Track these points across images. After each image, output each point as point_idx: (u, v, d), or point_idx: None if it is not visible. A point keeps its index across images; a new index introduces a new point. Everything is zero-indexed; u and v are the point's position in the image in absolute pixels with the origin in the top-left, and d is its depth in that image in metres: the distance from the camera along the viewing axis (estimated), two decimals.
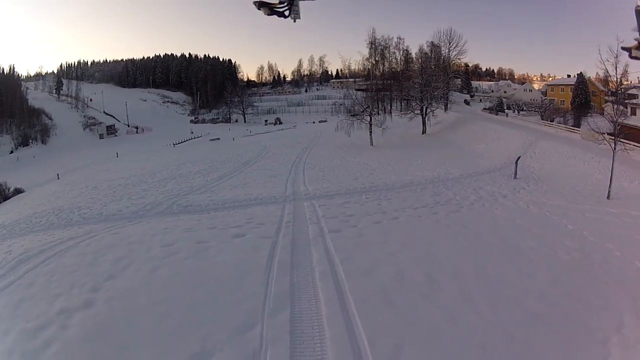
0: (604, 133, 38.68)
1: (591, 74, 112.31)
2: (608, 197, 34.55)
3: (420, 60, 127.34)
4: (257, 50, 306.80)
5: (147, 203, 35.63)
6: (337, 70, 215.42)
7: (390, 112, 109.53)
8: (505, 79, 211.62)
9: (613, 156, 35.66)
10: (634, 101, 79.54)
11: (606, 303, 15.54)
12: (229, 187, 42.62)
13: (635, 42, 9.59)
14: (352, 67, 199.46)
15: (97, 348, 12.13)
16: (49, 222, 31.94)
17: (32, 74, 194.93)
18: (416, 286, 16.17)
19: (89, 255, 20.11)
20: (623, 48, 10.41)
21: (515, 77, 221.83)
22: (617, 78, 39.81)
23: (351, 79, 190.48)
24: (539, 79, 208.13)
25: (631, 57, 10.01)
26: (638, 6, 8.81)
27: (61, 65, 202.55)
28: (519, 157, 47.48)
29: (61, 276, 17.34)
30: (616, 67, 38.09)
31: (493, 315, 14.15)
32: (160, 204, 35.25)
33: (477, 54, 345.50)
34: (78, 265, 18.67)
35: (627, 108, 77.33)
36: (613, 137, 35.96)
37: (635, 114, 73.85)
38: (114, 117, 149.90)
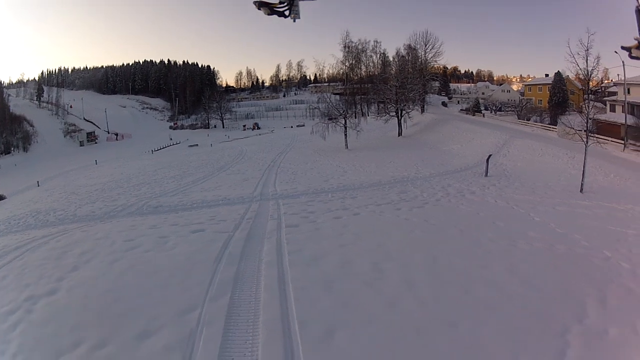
0: (579, 130, 38.92)
1: (569, 73, 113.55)
2: (581, 191, 34.95)
3: (397, 62, 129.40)
4: (235, 55, 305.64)
5: (119, 205, 36.43)
6: (316, 74, 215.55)
7: (367, 115, 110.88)
8: (484, 81, 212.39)
9: (585, 150, 35.75)
10: (613, 98, 79.91)
11: (567, 293, 15.49)
12: (201, 190, 43.18)
13: (635, 42, 9.91)
14: (328, 71, 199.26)
15: (54, 327, 13.53)
16: (26, 224, 32.94)
17: (13, 81, 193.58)
18: (360, 275, 16.84)
19: (58, 249, 21.62)
20: (623, 48, 10.55)
21: (495, 78, 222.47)
22: (587, 71, 40.13)
23: (329, 84, 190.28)
24: (518, 80, 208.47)
25: (631, 57, 10.25)
26: (638, 6, 9.17)
27: (42, 72, 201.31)
28: (490, 155, 47.73)
29: (32, 269, 18.89)
30: (587, 59, 38.40)
31: (435, 303, 14.58)
32: (132, 205, 35.99)
33: (456, 56, 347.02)
34: (47, 258, 20.21)
35: (605, 105, 78.11)
36: (585, 132, 36.13)
37: (614, 111, 74.67)
38: (94, 124, 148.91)
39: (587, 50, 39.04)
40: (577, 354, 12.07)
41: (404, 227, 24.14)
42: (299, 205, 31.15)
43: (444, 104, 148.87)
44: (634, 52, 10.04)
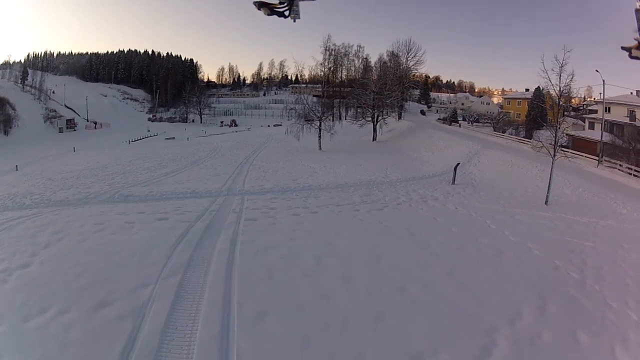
0: (550, 143, 39.45)
1: (542, 87, 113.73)
2: (546, 203, 35.68)
3: (378, 68, 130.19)
4: (219, 50, 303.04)
5: (92, 192, 37.15)
6: (297, 75, 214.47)
7: (344, 118, 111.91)
8: (465, 92, 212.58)
9: (552, 162, 36.54)
10: (593, 116, 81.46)
11: (504, 297, 16.53)
12: (172, 182, 43.58)
13: (635, 42, 10.17)
14: (307, 72, 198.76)
15: (25, 296, 15.39)
16: (4, 205, 33.60)
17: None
18: (301, 267, 18.53)
19: (33, 229, 23.45)
20: (623, 48, 10.70)
21: (476, 90, 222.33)
22: (560, 87, 40.46)
23: (310, 85, 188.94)
24: (500, 93, 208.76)
25: (631, 57, 10.51)
26: (638, 6, 9.55)
27: (28, 55, 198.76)
28: (458, 164, 48.60)
29: (7, 245, 20.58)
30: (560, 76, 38.80)
31: (368, 298, 16.09)
32: (105, 193, 36.81)
33: (439, 66, 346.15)
34: (22, 236, 22.07)
35: (584, 122, 79.13)
36: (562, 149, 36.78)
37: (593, 128, 76.04)
38: (74, 111, 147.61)
39: (562, 67, 39.10)
40: (503, 353, 13.15)
41: (357, 227, 25.55)
42: (262, 201, 32.36)
43: (423, 112, 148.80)
44: (634, 52, 10.27)
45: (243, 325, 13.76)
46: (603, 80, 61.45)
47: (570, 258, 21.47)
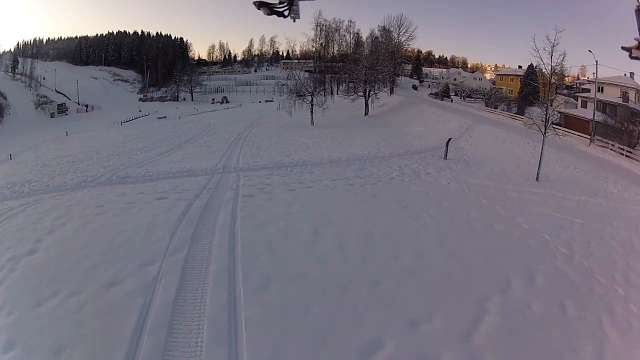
0: (542, 121, 39.84)
1: (542, 64, 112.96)
2: (537, 179, 35.97)
3: (370, 43, 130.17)
4: (209, 28, 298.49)
5: (90, 175, 37.25)
6: (288, 51, 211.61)
7: (336, 93, 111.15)
8: (457, 67, 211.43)
9: (543, 140, 36.89)
10: (586, 95, 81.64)
11: (493, 268, 17.28)
12: (167, 162, 43.84)
13: (635, 42, 10.27)
14: (300, 48, 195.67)
15: (35, 281, 15.79)
16: (2, 195, 33.51)
17: None
18: (300, 238, 19.44)
19: (35, 215, 23.71)
20: (623, 48, 10.78)
21: (469, 66, 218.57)
22: (551, 67, 40.70)
23: (301, 61, 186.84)
24: (492, 69, 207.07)
25: (631, 57, 10.62)
26: (638, 6, 9.69)
27: (18, 44, 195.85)
28: (450, 139, 48.72)
29: (12, 233, 20.95)
30: (552, 55, 39.06)
31: (362, 265, 17.06)
32: (102, 176, 36.91)
33: (432, 41, 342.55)
34: (25, 223, 22.30)
35: (577, 101, 79.40)
36: (555, 127, 37.22)
37: (585, 107, 76.14)
38: (65, 96, 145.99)
39: (554, 46, 39.28)
40: (494, 319, 13.86)
41: (351, 201, 26.32)
42: (258, 178, 32.90)
43: (415, 87, 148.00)
44: (634, 52, 10.36)
45: (249, 294, 14.53)
46: (596, 61, 61.63)
47: (558, 233, 22.01)
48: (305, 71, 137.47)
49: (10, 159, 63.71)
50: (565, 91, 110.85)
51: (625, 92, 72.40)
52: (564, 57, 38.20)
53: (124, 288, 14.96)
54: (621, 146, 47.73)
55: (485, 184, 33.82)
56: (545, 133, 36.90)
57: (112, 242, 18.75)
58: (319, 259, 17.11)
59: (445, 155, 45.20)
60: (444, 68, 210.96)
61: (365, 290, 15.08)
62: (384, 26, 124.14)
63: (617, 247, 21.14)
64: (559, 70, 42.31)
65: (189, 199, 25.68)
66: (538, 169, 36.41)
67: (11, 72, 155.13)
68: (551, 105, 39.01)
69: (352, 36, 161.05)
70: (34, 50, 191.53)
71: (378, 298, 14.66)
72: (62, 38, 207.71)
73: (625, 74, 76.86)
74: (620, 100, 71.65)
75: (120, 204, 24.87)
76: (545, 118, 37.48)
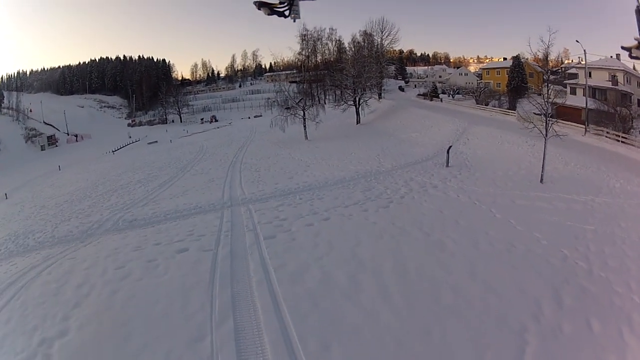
0: (538, 114, 39.71)
1: (528, 55, 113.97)
2: (541, 181, 36.01)
3: (352, 50, 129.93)
4: (190, 47, 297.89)
5: (94, 221, 36.30)
6: (271, 63, 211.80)
7: (325, 103, 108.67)
8: (440, 64, 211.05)
9: (545, 142, 36.69)
10: (573, 81, 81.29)
11: (525, 294, 17.35)
12: (169, 196, 43.44)
13: (635, 42, 10.34)
14: (285, 60, 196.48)
15: None
16: (8, 250, 32.60)
17: None
18: (340, 288, 18.52)
19: (53, 284, 21.88)
20: (623, 48, 10.95)
21: (451, 60, 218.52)
22: (547, 67, 41.01)
23: (285, 72, 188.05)
24: (475, 61, 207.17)
25: (631, 57, 10.82)
26: (638, 6, 9.71)
27: (2, 77, 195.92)
28: (450, 146, 48.01)
29: (33, 309, 19.10)
30: (547, 57, 39.43)
31: (409, 312, 16.42)
32: (107, 220, 36.07)
33: (412, 39, 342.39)
34: (45, 295, 20.48)
35: (566, 87, 79.22)
36: (545, 120, 37.16)
37: (574, 94, 76.19)
38: (54, 127, 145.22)
39: (548, 47, 39.45)
40: (535, 350, 14.10)
41: (373, 232, 25.57)
42: (269, 211, 32.10)
43: (401, 89, 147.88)
44: (634, 52, 10.50)
45: None
46: (584, 50, 61.73)
47: (575, 246, 22.37)
48: (291, 82, 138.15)
49: (6, 198, 63.40)
50: (551, 77, 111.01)
51: (614, 75, 72.53)
52: (560, 58, 38.27)
53: None
54: (616, 132, 48.45)
55: (493, 192, 33.99)
56: (546, 135, 36.69)
57: (149, 315, 17.34)
58: (367, 312, 16.50)
59: (447, 163, 45.03)
60: (427, 65, 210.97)
61: (419, 341, 14.74)
62: (365, 31, 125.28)
63: (629, 251, 21.83)
64: (552, 64, 42.48)
65: (210, 248, 24.57)
66: (542, 171, 36.36)
67: None
68: (547, 100, 38.44)
69: (334, 43, 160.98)
70: (18, 83, 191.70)
71: (432, 348, 14.43)
72: (45, 69, 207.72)
73: (611, 56, 76.95)
74: (609, 84, 71.80)
75: (141, 263, 23.32)
76: (545, 122, 37.18)
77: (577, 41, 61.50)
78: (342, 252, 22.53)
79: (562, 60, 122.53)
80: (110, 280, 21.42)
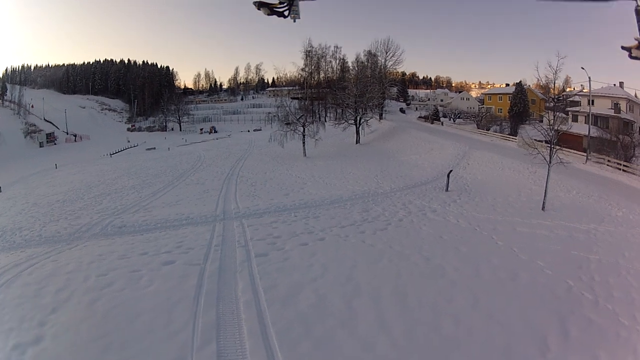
0: (540, 141, 39.37)
1: (530, 82, 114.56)
2: (543, 209, 35.50)
3: (356, 69, 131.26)
4: (194, 57, 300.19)
5: (83, 224, 35.69)
6: (273, 78, 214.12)
7: (325, 121, 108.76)
8: (442, 87, 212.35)
9: (549, 168, 36.30)
10: (575, 109, 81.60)
11: (530, 326, 16.43)
12: (162, 204, 42.80)
13: (635, 42, 9.74)
14: (288, 76, 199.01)
15: None
16: None
17: None
18: (335, 314, 17.37)
19: (33, 285, 21.01)
20: (623, 48, 10.31)
21: (453, 84, 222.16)
22: (554, 93, 40.89)
23: (287, 88, 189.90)
24: (477, 86, 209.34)
25: (631, 57, 10.10)
26: (638, 6, 9.06)
27: (6, 70, 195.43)
28: (450, 171, 47.55)
29: (11, 309, 18.29)
30: (554, 82, 39.15)
31: (408, 343, 15.35)
32: (96, 224, 35.42)
33: (415, 62, 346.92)
34: (24, 297, 19.64)
35: (568, 115, 79.12)
36: (548, 146, 36.84)
37: (576, 121, 76.24)
38: (54, 125, 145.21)
39: (556, 73, 39.24)
40: None
41: (370, 256, 24.62)
42: (263, 227, 31.29)
43: (402, 111, 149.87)
44: (634, 52, 9.88)
45: None
46: (589, 77, 61.41)
47: (579, 275, 21.72)
48: (292, 98, 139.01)
49: (0, 191, 63.23)
50: (552, 104, 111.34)
51: (617, 103, 72.90)
52: (567, 83, 38.14)
53: None
54: (617, 161, 49.00)
55: (494, 218, 33.50)
56: (550, 161, 36.21)
57: (130, 329, 16.24)
58: (363, 342, 15.34)
59: (447, 187, 44.76)
60: (429, 88, 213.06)
61: None
62: (369, 50, 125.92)
63: (633, 281, 21.37)
64: (550, 82, 42.17)
65: (198, 262, 23.53)
66: (544, 199, 36.06)
67: (0, 99, 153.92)
68: (552, 127, 38.06)
69: (338, 62, 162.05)
70: (22, 77, 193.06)
71: None
72: (50, 65, 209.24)
73: (614, 84, 76.89)
74: (611, 112, 72.32)
75: (125, 272, 22.28)
76: (550, 149, 36.72)
77: (582, 68, 61.29)
78: (338, 274, 21.64)
79: (564, 88, 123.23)
80: (91, 287, 20.48)
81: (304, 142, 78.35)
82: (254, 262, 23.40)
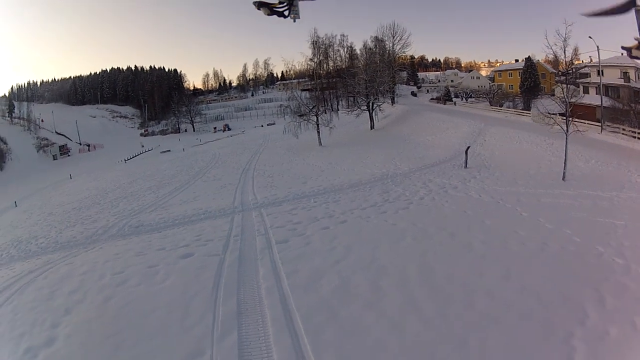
0: (555, 114, 38.87)
1: (539, 57, 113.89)
2: (563, 179, 34.80)
3: (364, 56, 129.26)
4: (201, 58, 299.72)
5: (100, 227, 35.45)
6: (282, 72, 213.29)
7: (337, 110, 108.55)
8: (452, 68, 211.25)
9: (566, 138, 35.66)
10: (586, 80, 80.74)
11: (565, 296, 15.55)
12: (179, 202, 42.53)
13: (635, 42, 9.73)
14: (297, 68, 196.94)
15: None
16: (9, 255, 31.92)
17: None
18: (360, 296, 16.50)
19: (46, 289, 20.61)
20: (623, 48, 10.48)
21: (462, 65, 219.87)
22: (565, 61, 40.55)
23: (296, 80, 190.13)
24: (486, 65, 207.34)
25: (631, 57, 10.30)
26: (638, 6, 8.93)
27: (12, 88, 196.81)
28: (468, 147, 47.32)
29: (23, 313, 17.93)
30: (565, 50, 38.68)
31: (441, 321, 14.38)
32: (112, 226, 35.14)
33: (423, 44, 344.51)
34: (37, 300, 19.22)
35: (579, 87, 78.46)
36: (564, 118, 36.21)
37: (587, 92, 75.96)
38: (66, 137, 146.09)
39: (565, 40, 38.87)
40: (583, 358, 12.31)
41: (394, 235, 23.91)
42: (283, 215, 30.82)
43: (414, 94, 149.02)
44: (634, 52, 9.96)
45: None
46: (597, 47, 60.81)
47: (608, 241, 20.82)
48: (303, 90, 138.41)
49: (15, 206, 63.13)
50: (562, 77, 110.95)
51: (626, 72, 72.07)
52: (576, 52, 37.72)
53: None
54: (632, 129, 48.28)
55: (516, 190, 32.82)
56: (567, 130, 35.58)
57: (144, 325, 15.57)
58: (393, 323, 14.45)
59: (466, 164, 44.14)
60: (438, 70, 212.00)
61: (455, 354, 12.79)
62: (376, 36, 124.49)
63: None
64: (561, 51, 41.64)
65: (217, 253, 22.93)
66: (564, 169, 35.36)
67: (8, 117, 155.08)
68: (567, 98, 37.51)
69: (346, 50, 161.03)
70: (28, 94, 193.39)
71: None
72: (56, 79, 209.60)
73: (622, 54, 76.31)
74: (621, 81, 71.39)
75: (141, 269, 21.73)
76: (566, 118, 36.08)
77: (590, 37, 60.35)
78: (361, 256, 20.86)
79: (572, 61, 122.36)
80: (105, 286, 20.03)
81: (318, 131, 77.84)
82: (275, 249, 22.84)
